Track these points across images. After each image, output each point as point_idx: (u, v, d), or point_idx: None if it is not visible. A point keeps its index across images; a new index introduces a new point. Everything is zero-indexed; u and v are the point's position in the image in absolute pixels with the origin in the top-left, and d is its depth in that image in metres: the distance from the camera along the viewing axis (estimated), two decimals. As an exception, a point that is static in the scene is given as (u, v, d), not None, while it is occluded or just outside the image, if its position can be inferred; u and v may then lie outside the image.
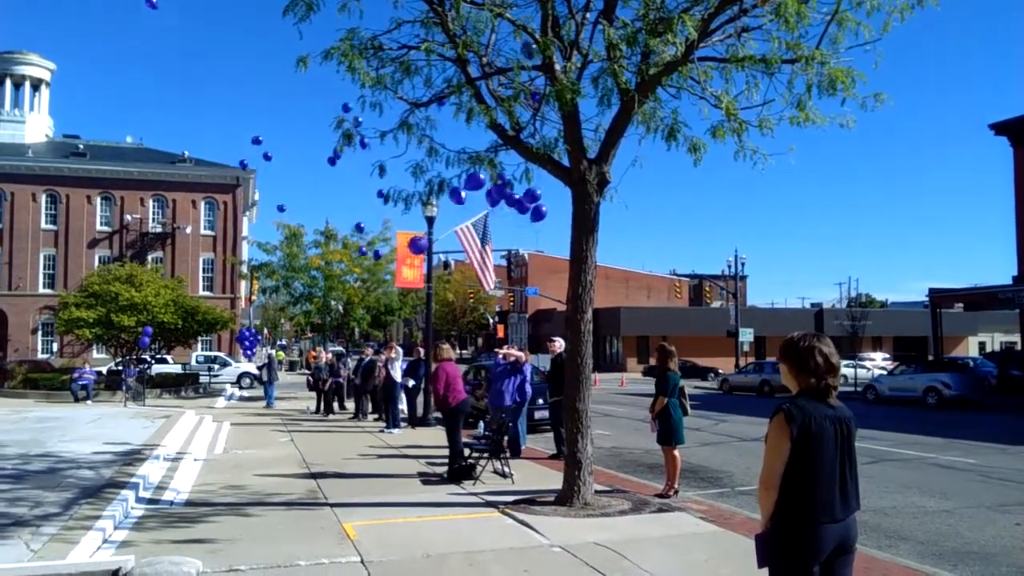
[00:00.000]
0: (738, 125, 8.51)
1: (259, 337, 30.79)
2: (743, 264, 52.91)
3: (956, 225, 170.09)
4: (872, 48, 8.24)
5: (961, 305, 43.02)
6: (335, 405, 23.57)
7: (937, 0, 8.27)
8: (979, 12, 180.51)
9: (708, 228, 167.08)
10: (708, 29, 8.25)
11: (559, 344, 13.52)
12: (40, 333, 52.72)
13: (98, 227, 54.36)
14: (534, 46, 8.83)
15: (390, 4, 9.58)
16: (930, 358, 36.47)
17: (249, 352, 31.48)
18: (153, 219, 55.02)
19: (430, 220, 20.18)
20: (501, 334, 64.61)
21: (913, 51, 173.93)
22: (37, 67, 58.71)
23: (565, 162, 9.62)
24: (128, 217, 54.21)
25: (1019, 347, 37.83)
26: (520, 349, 14.83)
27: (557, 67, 9.02)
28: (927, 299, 39.91)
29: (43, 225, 53.45)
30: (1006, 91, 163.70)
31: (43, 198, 53.48)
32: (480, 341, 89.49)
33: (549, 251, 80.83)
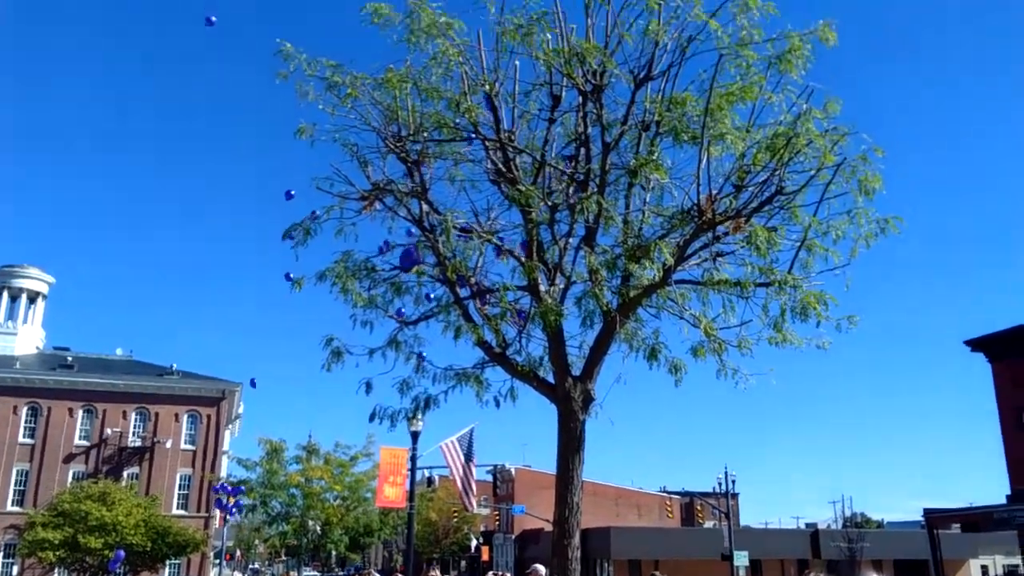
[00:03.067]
0: (718, 345, 8.76)
1: (241, 500, 28.41)
2: (734, 481, 51.83)
3: (946, 441, 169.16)
4: (842, 272, 8.69)
5: (958, 526, 41.77)
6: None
7: (898, 228, 8.81)
8: (943, 234, 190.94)
9: (697, 443, 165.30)
10: (684, 255, 8.71)
11: (542, 572, 12.88)
12: (1, 554, 49.93)
13: (76, 441, 53.22)
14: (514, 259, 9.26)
15: (384, 227, 10.15)
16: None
17: (230, 514, 29.19)
18: (133, 432, 54.03)
19: (415, 435, 20.01)
20: (486, 557, 61.64)
21: (889, 269, 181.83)
22: (36, 280, 60.15)
23: (550, 379, 9.74)
24: (108, 431, 53.25)
25: (1021, 570, 36.36)
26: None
27: (542, 288, 9.39)
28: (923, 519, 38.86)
29: (20, 439, 52.27)
30: (982, 308, 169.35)
31: (24, 411, 52.75)
32: (463, 564, 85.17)
33: (536, 465, 79.05)
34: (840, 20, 8.86)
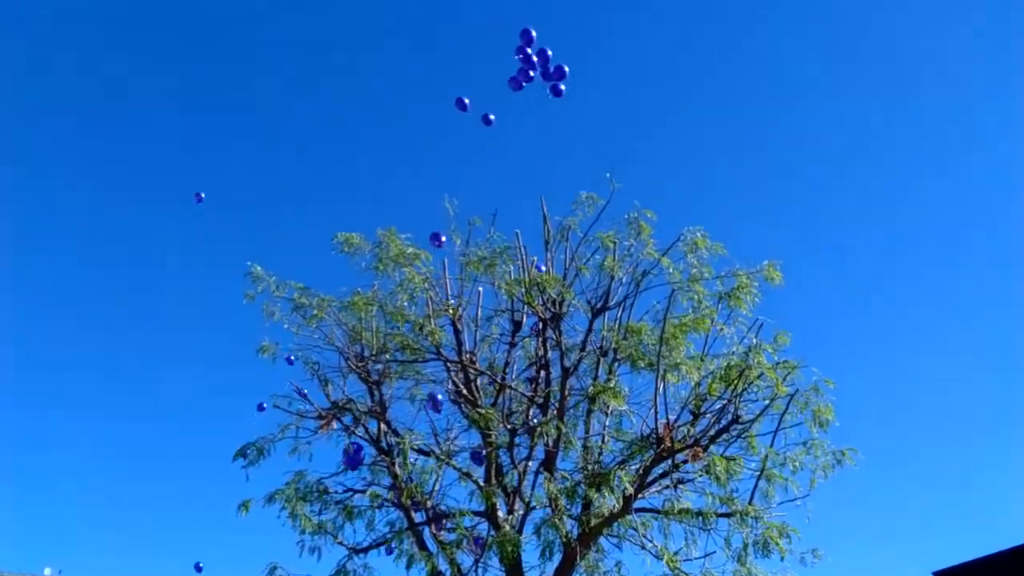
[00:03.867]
0: (682, 580, 8.44)
1: None
2: None
3: None
4: (803, 503, 8.61)
5: None
6: None
7: (854, 460, 8.86)
8: (904, 462, 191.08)
9: None
10: (644, 482, 8.60)
11: None
12: None
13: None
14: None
15: (340, 448, 9.97)
16: None
17: None
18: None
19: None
20: None
21: (851, 498, 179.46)
22: (-34, 494, 56.75)
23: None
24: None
25: None
26: None
27: (500, 515, 9.11)
28: None
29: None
30: (947, 537, 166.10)
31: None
32: None
33: None
34: (787, 259, 9.46)
